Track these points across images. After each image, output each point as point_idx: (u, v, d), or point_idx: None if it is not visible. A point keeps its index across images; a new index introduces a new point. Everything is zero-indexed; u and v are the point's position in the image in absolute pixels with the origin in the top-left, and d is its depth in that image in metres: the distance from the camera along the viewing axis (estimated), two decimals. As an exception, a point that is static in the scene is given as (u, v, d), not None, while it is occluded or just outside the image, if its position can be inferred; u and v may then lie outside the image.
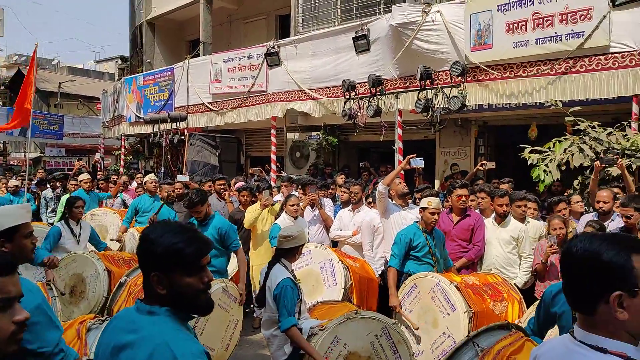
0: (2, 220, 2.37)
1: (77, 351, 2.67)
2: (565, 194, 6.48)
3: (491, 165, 6.96)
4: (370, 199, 6.23)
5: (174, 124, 11.41)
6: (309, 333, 3.62)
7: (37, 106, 24.96)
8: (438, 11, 7.76)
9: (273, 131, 10.39)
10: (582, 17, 6.57)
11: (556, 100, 6.79)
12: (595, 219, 5.00)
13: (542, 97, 6.99)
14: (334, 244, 6.31)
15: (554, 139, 6.68)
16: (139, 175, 10.04)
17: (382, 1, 9.90)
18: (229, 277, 5.37)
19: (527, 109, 8.31)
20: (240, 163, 13.78)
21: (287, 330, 3.51)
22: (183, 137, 11.60)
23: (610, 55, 6.40)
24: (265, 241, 6.01)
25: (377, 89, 7.76)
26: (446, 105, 7.06)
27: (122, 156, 15.28)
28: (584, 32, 6.52)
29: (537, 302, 2.87)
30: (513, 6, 7.19)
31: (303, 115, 10.97)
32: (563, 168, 6.44)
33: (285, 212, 5.92)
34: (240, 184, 7.47)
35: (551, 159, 6.52)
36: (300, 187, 6.94)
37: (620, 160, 5.46)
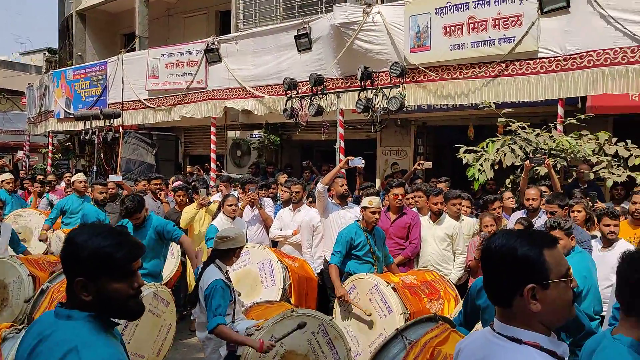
0: None
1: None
2: (499, 192, 6.73)
3: (428, 164, 7.13)
4: (310, 198, 6.19)
5: (107, 121, 10.91)
6: (245, 334, 3.57)
7: (-45, 100, 23.17)
8: (378, 12, 7.85)
9: (213, 129, 10.17)
10: (514, 22, 6.84)
11: (490, 102, 7.05)
12: (524, 216, 5.22)
13: (477, 99, 7.21)
14: (274, 243, 6.23)
15: (487, 139, 6.94)
16: (67, 175, 9.50)
17: (324, 0, 9.91)
18: (164, 281, 5.19)
19: (464, 110, 8.58)
20: (178, 162, 13.40)
21: (214, 330, 3.44)
22: (117, 134, 11.11)
23: (538, 60, 6.70)
24: (203, 242, 5.84)
25: (319, 88, 7.75)
26: (386, 106, 7.14)
27: (50, 154, 14.42)
28: (515, 37, 6.79)
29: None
30: (450, 10, 7.38)
31: (244, 113, 10.81)
32: (496, 167, 6.70)
33: (223, 212, 5.78)
34: (177, 183, 7.22)
35: (485, 159, 6.77)
36: (239, 186, 6.79)
37: (547, 160, 5.76)
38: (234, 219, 5.72)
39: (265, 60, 9.18)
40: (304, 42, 8.47)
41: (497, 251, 1.47)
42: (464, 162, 6.94)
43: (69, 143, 15.76)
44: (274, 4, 10.59)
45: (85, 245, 1.55)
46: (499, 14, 6.96)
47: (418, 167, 7.19)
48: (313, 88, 7.74)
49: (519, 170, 6.61)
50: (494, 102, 7.06)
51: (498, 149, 6.69)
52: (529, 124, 6.96)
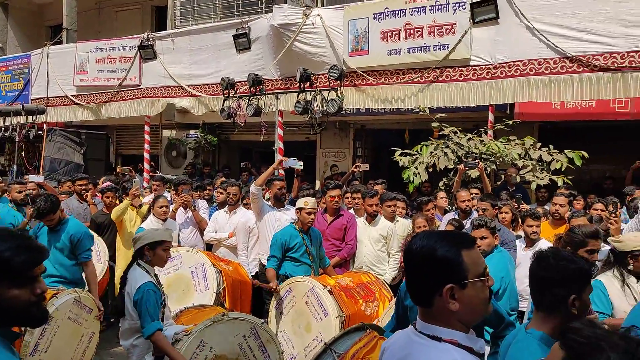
0: None
1: None
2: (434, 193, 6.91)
3: (365, 167, 7.21)
4: (246, 200, 6.08)
5: (29, 117, 10.21)
6: (173, 339, 3.44)
7: None
8: (318, 15, 7.87)
9: (147, 128, 9.80)
10: (448, 30, 7.06)
11: (424, 107, 7.24)
12: (456, 217, 5.39)
13: (413, 104, 7.39)
14: (209, 246, 6.06)
15: (422, 143, 7.12)
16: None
17: (263, 0, 9.82)
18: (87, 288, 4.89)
19: (401, 114, 8.77)
20: (109, 162, 12.77)
21: (151, 336, 3.27)
22: (41, 132, 10.43)
23: (470, 68, 6.95)
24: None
25: (257, 89, 7.64)
26: (324, 108, 7.15)
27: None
28: (449, 44, 7.01)
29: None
30: (388, 15, 7.51)
31: (180, 113, 10.50)
32: (430, 170, 6.89)
33: (153, 214, 5.54)
34: (106, 184, 6.86)
35: (420, 162, 6.94)
36: (172, 187, 6.55)
37: (480, 164, 6.00)
38: (164, 221, 5.50)
39: (203, 58, 8.97)
40: (242, 41, 8.34)
41: (417, 252, 1.49)
42: (400, 164, 7.09)
43: (-14, 140, 14.63)
44: (212, 2, 10.37)
45: None
46: (434, 21, 7.16)
47: (355, 170, 7.25)
48: (251, 88, 7.62)
49: (452, 173, 6.83)
50: (429, 107, 7.26)
51: (432, 153, 6.88)
52: (461, 128, 7.21)
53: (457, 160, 6.75)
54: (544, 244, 4.29)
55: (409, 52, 7.33)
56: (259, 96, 7.67)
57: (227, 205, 5.93)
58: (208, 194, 7.34)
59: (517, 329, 2.08)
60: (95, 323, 4.07)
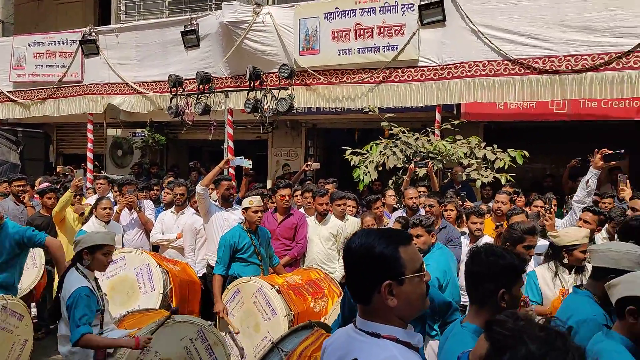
0: None
1: None
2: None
3: (316, 165, 7.22)
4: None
5: (-40, 114, 9.59)
6: None
7: None
8: (268, 13, 7.80)
9: (90, 126, 9.41)
10: (397, 31, 7.16)
11: (374, 107, 7.32)
12: (403, 215, 5.48)
13: (364, 103, 7.44)
14: (156, 248, 5.89)
15: (372, 142, 7.20)
16: None
17: (213, -3, 9.66)
18: (24, 293, 4.65)
19: (352, 114, 8.83)
20: (49, 161, 12.17)
21: (78, 341, 3.14)
22: (-29, 130, 9.83)
23: (419, 68, 7.08)
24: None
25: (206, 87, 7.49)
26: (275, 107, 7.10)
27: None
28: (398, 45, 7.11)
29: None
30: (338, 15, 7.54)
31: (126, 111, 10.13)
32: (380, 169, 6.98)
33: (95, 215, 5.33)
34: (44, 185, 6.52)
35: (370, 161, 7.02)
36: (116, 188, 6.32)
37: (430, 163, 6.13)
38: (107, 224, 5.30)
39: (150, 55, 8.71)
40: (191, 38, 8.15)
41: (356, 250, 1.50)
42: (351, 163, 7.15)
43: None
44: (159, -3, 10.10)
45: None
46: (384, 22, 7.25)
47: (306, 168, 7.25)
48: (200, 86, 7.47)
49: (400, 171, 6.95)
50: (379, 107, 7.34)
51: (381, 152, 6.97)
52: (410, 128, 7.34)
53: (405, 159, 6.87)
54: (488, 240, 4.42)
55: (359, 52, 7.38)
56: (207, 94, 7.52)
57: (174, 206, 5.79)
58: (155, 194, 7.13)
59: (454, 323, 2.14)
60: (28, 330, 3.86)
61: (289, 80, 7.09)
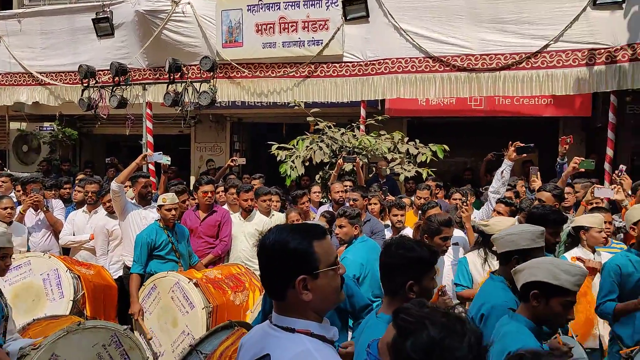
0: None
1: None
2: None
3: (242, 161, 7.08)
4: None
5: None
6: (19, 355, 3.11)
7: None
8: (189, 3, 7.51)
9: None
10: (321, 26, 7.15)
11: (299, 101, 7.28)
12: (329, 209, 5.49)
13: (289, 97, 7.39)
14: (67, 251, 5.49)
15: (298, 137, 7.16)
16: None
17: (128, -17, 9.11)
18: None
19: (278, 108, 8.74)
20: None
21: None
22: None
23: (344, 64, 7.12)
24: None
25: (122, 78, 7.08)
26: (197, 100, 6.85)
27: None
28: (322, 40, 7.10)
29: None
30: (262, 8, 7.40)
31: (32, 103, 9.38)
32: (307, 164, 6.95)
33: (-5, 216, 4.87)
34: None
35: (296, 156, 6.97)
36: (20, 186, 5.81)
37: (358, 159, 6.18)
38: (10, 225, 4.85)
39: (57, 43, 8.12)
40: (104, 26, 7.65)
41: (270, 246, 1.50)
42: (277, 158, 7.07)
43: None
44: (69, -18, 9.42)
45: None
46: (308, 16, 7.21)
47: (231, 164, 7.08)
48: (115, 78, 7.04)
49: (327, 166, 6.96)
50: (305, 102, 7.31)
51: (307, 147, 6.94)
52: (335, 123, 7.37)
53: (332, 154, 6.89)
54: (409, 232, 4.52)
55: (283, 46, 7.30)
56: (123, 86, 7.12)
57: (86, 205, 5.44)
58: (67, 192, 6.66)
59: (370, 315, 2.21)
60: None
61: (212, 73, 6.87)
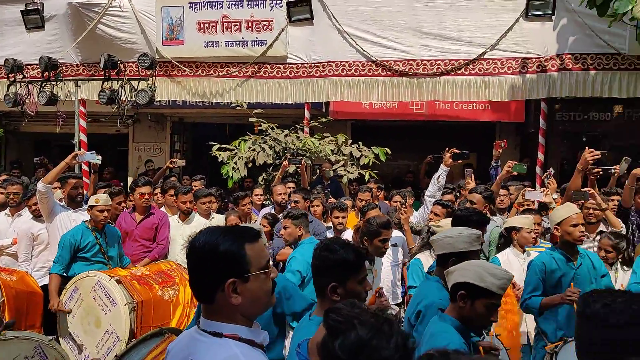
0: None
1: None
2: (253, 189, 6.86)
3: (181, 162, 6.88)
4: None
5: None
6: None
7: None
8: (127, -4, 7.20)
9: None
10: (265, 27, 7.06)
11: (242, 102, 7.16)
12: (272, 211, 5.42)
13: (232, 98, 7.25)
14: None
15: (240, 138, 7.04)
16: None
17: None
18: None
19: (221, 108, 8.56)
20: None
21: None
22: None
23: (288, 65, 7.06)
24: None
25: (52, 74, 6.68)
26: (134, 99, 6.58)
27: None
28: (266, 40, 7.02)
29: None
30: (204, 6, 7.22)
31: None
32: (250, 165, 6.84)
33: None
34: None
35: (239, 157, 6.85)
36: None
37: (303, 160, 6.13)
38: None
39: (-19, 35, 7.54)
40: (34, 18, 7.20)
41: (200, 248, 1.46)
42: (219, 160, 6.91)
43: None
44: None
45: None
46: (252, 16, 7.10)
47: (171, 165, 6.86)
48: (45, 73, 6.63)
49: (271, 168, 6.88)
50: (248, 102, 7.20)
51: (250, 148, 6.84)
52: (278, 124, 7.31)
53: (275, 155, 6.82)
54: (350, 234, 4.52)
55: (226, 46, 7.15)
56: (54, 82, 6.72)
57: (9, 207, 5.08)
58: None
59: (304, 317, 2.23)
60: None
61: (150, 71, 6.62)
